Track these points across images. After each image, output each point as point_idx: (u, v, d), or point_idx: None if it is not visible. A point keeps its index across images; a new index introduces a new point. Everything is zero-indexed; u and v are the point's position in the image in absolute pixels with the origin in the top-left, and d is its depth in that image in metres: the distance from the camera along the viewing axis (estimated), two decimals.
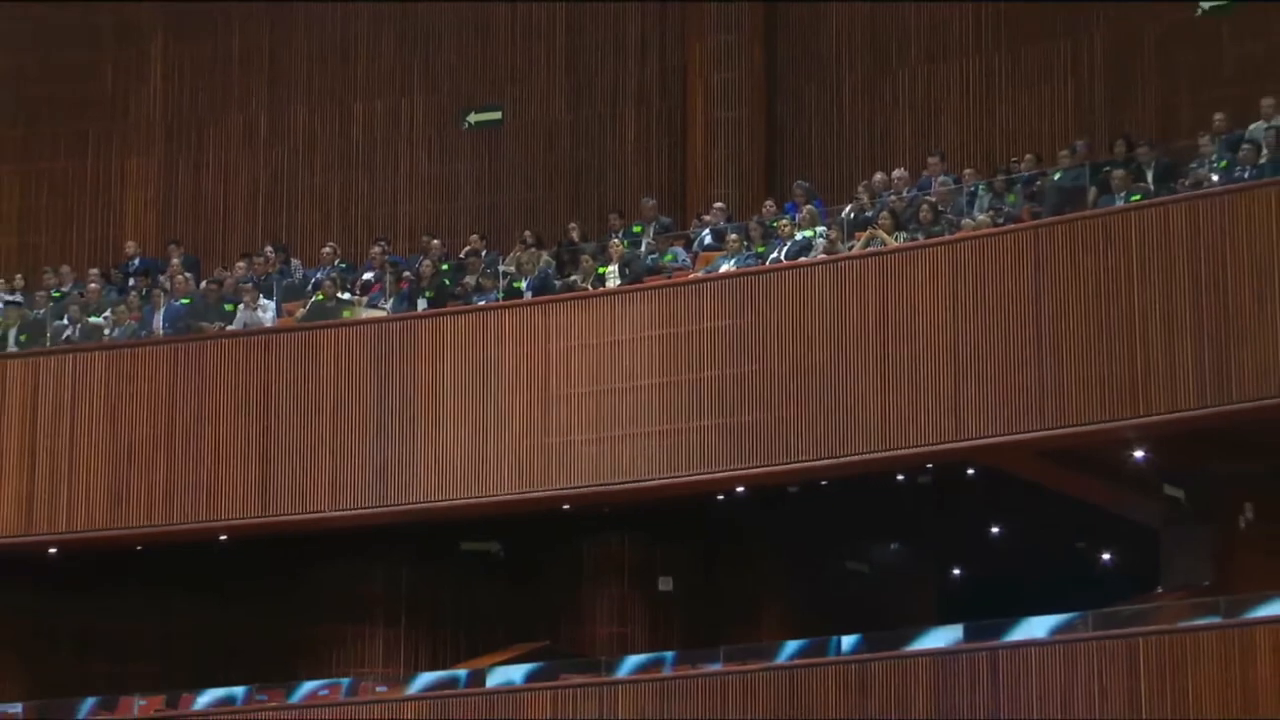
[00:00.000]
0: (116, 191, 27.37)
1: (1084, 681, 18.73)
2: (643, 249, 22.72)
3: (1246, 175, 19.96)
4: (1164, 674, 18.45)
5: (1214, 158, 20.68)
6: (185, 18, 27.50)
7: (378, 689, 22.23)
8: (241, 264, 24.26)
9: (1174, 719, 18.31)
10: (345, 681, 22.44)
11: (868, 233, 21.30)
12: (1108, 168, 21.24)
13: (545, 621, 23.98)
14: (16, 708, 22.56)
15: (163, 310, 23.34)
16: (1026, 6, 24.91)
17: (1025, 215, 20.98)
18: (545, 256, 22.96)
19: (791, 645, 20.75)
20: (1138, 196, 20.51)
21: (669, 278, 22.07)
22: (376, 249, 24.35)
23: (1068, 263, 19.96)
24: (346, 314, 22.86)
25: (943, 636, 20.02)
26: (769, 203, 23.15)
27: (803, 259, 21.39)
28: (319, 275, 23.60)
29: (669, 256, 22.46)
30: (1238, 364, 19.09)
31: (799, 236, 21.74)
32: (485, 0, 26.92)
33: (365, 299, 23.16)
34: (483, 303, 22.46)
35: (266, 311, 23.11)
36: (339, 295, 23.12)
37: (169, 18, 27.53)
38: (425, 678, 22.18)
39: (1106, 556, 23.54)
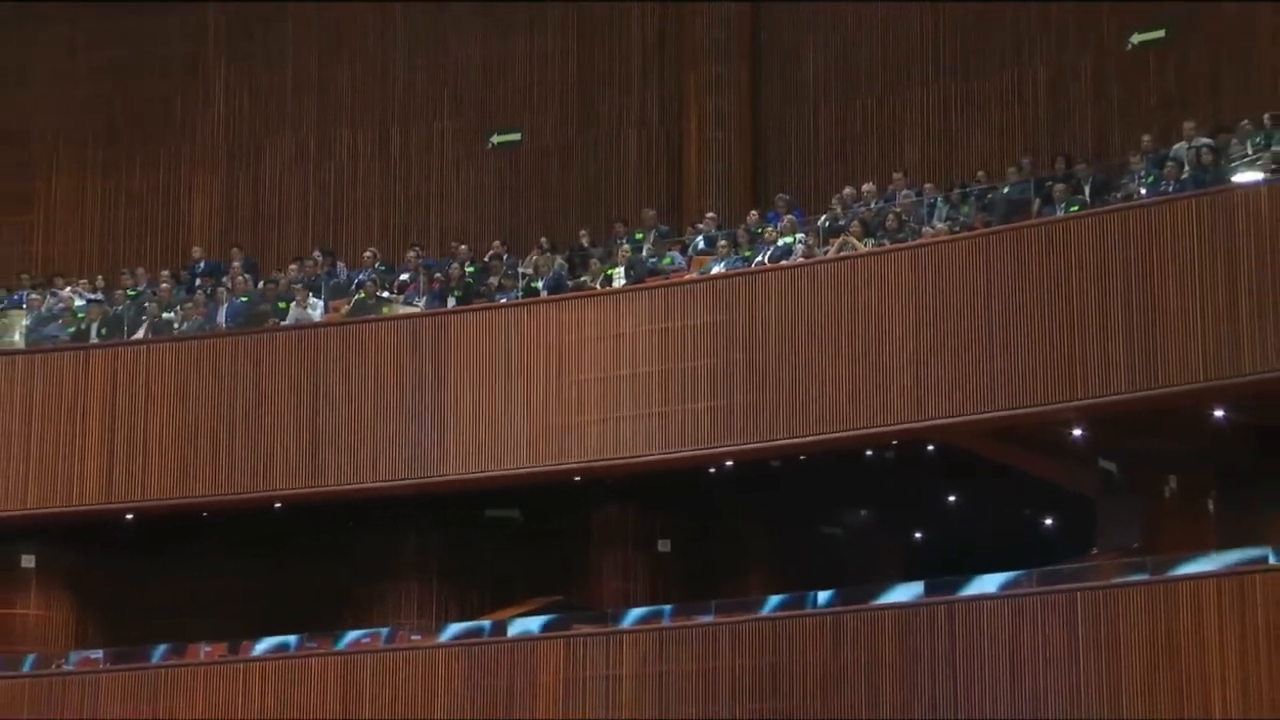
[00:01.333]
0: (185, 203, 27.38)
1: (1029, 631, 18.75)
2: (644, 253, 22.71)
3: (1170, 189, 20.02)
4: (1098, 624, 18.48)
5: (1142, 174, 20.69)
6: (244, 54, 27.52)
7: (413, 637, 22.20)
8: (294, 266, 24.27)
9: (1107, 664, 18.34)
10: (384, 631, 22.38)
11: (841, 239, 21.34)
12: (1049, 182, 21.26)
13: (558, 579, 23.92)
14: (99, 653, 22.64)
15: (225, 307, 23.40)
16: (978, 42, 24.95)
17: (978, 224, 21.00)
18: (558, 260, 22.98)
19: (774, 599, 20.70)
20: (1076, 207, 20.58)
21: (667, 278, 22.05)
22: (411, 253, 24.39)
23: (1014, 265, 20.01)
24: (385, 310, 22.90)
25: (906, 592, 20.00)
26: (754, 213, 23.10)
27: (784, 262, 21.42)
28: (361, 276, 23.59)
29: (667, 260, 22.43)
30: (1163, 354, 19.15)
31: (780, 242, 21.77)
32: (506, 36, 26.98)
33: (402, 297, 23.17)
34: (504, 300, 22.51)
35: (315, 308, 23.16)
36: (379, 294, 23.14)
37: (231, 54, 27.54)
38: (454, 628, 22.16)
39: (1048, 522, 23.49)
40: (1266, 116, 21.00)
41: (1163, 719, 18.08)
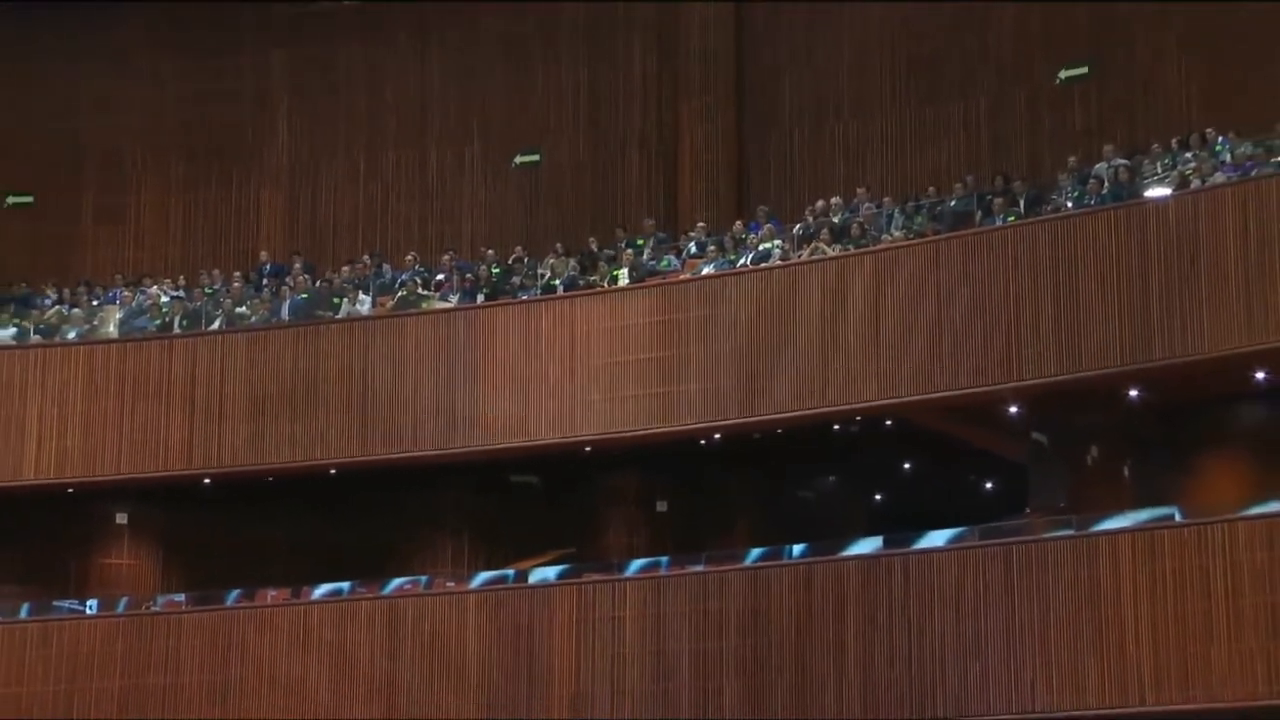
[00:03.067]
0: (254, 215, 27.33)
1: (971, 579, 18.79)
2: (644, 257, 22.70)
3: (1092, 202, 20.00)
4: (1030, 573, 18.52)
5: (1069, 189, 20.69)
6: (303, 88, 27.53)
7: (447, 584, 22.28)
8: (346, 268, 24.31)
9: (1038, 607, 18.39)
10: (423, 578, 22.46)
11: (812, 245, 21.30)
12: (990, 196, 21.21)
13: (571, 534, 23.94)
14: (181, 597, 22.73)
15: (287, 303, 23.42)
16: (929, 77, 24.91)
17: (929, 232, 20.97)
18: (571, 262, 22.94)
19: (755, 552, 20.73)
20: (1012, 218, 20.54)
21: (664, 278, 22.03)
22: (446, 257, 24.41)
23: (960, 267, 19.98)
24: (424, 306, 22.88)
25: (868, 545, 20.01)
26: (738, 223, 23.07)
27: (764, 264, 21.42)
28: (404, 277, 23.56)
29: (664, 262, 22.40)
30: (1085, 343, 19.14)
31: (761, 247, 21.77)
32: (526, 72, 26.95)
33: (438, 294, 23.12)
34: (525, 297, 22.50)
35: (364, 304, 23.17)
36: (419, 292, 23.14)
37: (292, 88, 27.54)
38: (482, 575, 22.22)
39: (988, 486, 23.48)
40: (1174, 141, 21.06)
41: (1085, 654, 18.14)
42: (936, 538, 19.54)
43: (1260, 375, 19.37)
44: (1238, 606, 17.52)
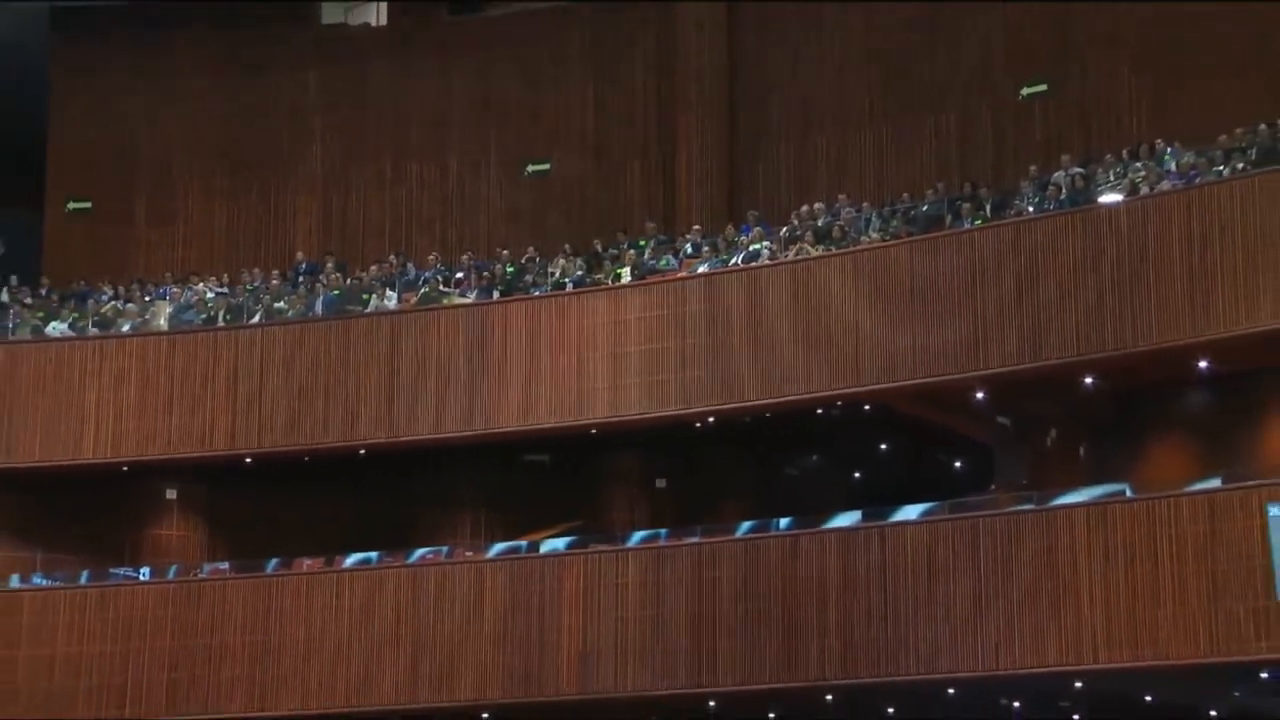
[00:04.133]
0: (290, 219, 27.24)
1: (941, 549, 18.86)
2: (645, 257, 22.68)
3: (1051, 207, 20.00)
4: (995, 544, 18.60)
5: (1030, 195, 20.69)
6: (335, 105, 27.47)
7: (466, 554, 22.25)
8: (374, 267, 24.25)
9: (1001, 574, 18.45)
10: (444, 549, 22.46)
11: (797, 246, 21.31)
12: (959, 202, 21.28)
13: (579, 509, 23.88)
14: (225, 565, 22.75)
15: (321, 299, 23.37)
16: (904, 94, 24.89)
17: (903, 234, 20.96)
18: (579, 262, 22.94)
19: (746, 525, 20.75)
20: (979, 221, 20.55)
21: (664, 276, 21.97)
22: (465, 257, 24.36)
23: (931, 266, 19.96)
24: (445, 301, 22.85)
25: (847, 518, 20.04)
26: (730, 226, 23.04)
27: (753, 263, 21.39)
28: (427, 275, 23.54)
29: (663, 262, 22.35)
30: (1045, 335, 19.12)
31: (751, 248, 21.72)
32: (537, 91, 26.90)
33: (458, 291, 23.08)
34: (537, 294, 22.45)
35: (391, 300, 23.13)
36: (440, 289, 23.11)
37: (325, 105, 27.48)
38: (498, 546, 22.20)
39: (957, 464, 23.48)
40: (1125, 151, 21.04)
41: (1044, 617, 18.16)
42: (910, 512, 19.56)
43: (1202, 364, 19.38)
44: (1182, 574, 17.59)
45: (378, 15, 28.04)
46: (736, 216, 24.10)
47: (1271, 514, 17.13)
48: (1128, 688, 19.80)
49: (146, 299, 24.28)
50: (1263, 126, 19.81)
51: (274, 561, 22.31)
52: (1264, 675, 18.53)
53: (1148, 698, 20.62)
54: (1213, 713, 21.51)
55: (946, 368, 19.68)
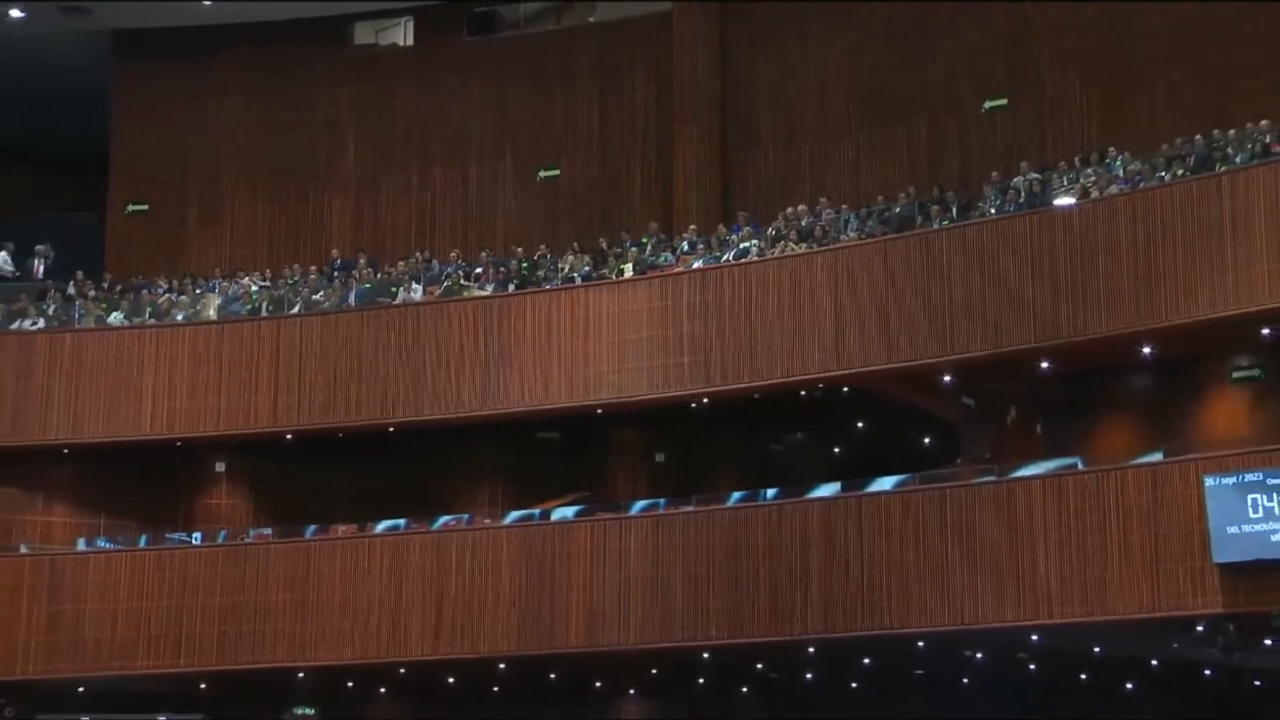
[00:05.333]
0: (326, 220, 27.22)
1: (913, 517, 18.90)
2: (646, 254, 22.70)
3: (1011, 209, 20.01)
4: (960, 511, 18.59)
5: (992, 199, 20.71)
6: (366, 118, 27.45)
7: (485, 521, 22.26)
8: (401, 263, 24.20)
9: (966, 540, 18.50)
10: (465, 516, 22.51)
11: (783, 244, 21.33)
12: (928, 204, 21.28)
13: (586, 480, 23.90)
14: (268, 531, 22.75)
15: (354, 291, 23.34)
16: (879, 108, 24.88)
17: (878, 233, 20.94)
18: (586, 259, 22.94)
19: (736, 494, 20.77)
20: (946, 222, 20.54)
21: (663, 271, 21.93)
22: (483, 254, 24.27)
23: (904, 262, 19.93)
24: (465, 293, 22.81)
25: (828, 489, 20.07)
26: (722, 226, 23.08)
27: (743, 259, 21.40)
28: (449, 269, 23.51)
29: (662, 258, 22.33)
30: (1006, 324, 19.10)
31: (741, 246, 21.73)
32: (548, 104, 26.89)
33: (477, 284, 23.05)
34: (548, 287, 22.44)
35: (416, 292, 23.06)
36: (461, 282, 23.08)
37: (358, 118, 27.45)
38: (513, 514, 22.17)
39: (926, 440, 23.52)
40: (1077, 159, 21.08)
41: (1004, 577, 18.20)
42: (884, 483, 19.57)
43: (1146, 350, 19.41)
44: (1127, 538, 17.64)
45: (404, 36, 28.02)
46: (728, 217, 24.09)
47: (1208, 484, 17.17)
48: (1078, 640, 19.87)
49: (197, 292, 24.27)
50: (1199, 137, 19.87)
51: (312, 527, 22.33)
52: (1199, 628, 18.65)
53: (1096, 649, 20.71)
54: (1154, 661, 21.59)
55: (917, 354, 19.67)
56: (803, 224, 21.86)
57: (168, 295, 24.28)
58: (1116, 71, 23.05)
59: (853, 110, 25.12)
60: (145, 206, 27.62)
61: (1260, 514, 16.73)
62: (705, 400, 21.57)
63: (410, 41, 27.92)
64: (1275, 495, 16.73)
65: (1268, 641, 19.27)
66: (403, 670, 22.21)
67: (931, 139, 24.35)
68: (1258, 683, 22.01)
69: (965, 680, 22.87)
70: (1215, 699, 22.41)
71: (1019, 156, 22.21)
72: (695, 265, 21.70)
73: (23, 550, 22.76)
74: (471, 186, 26.98)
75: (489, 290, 22.82)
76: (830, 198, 23.21)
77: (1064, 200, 19.70)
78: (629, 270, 22.21)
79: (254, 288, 24.24)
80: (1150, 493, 17.62)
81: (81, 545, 22.84)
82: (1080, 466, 18.61)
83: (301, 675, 22.42)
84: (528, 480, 24.21)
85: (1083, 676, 22.32)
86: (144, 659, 21.51)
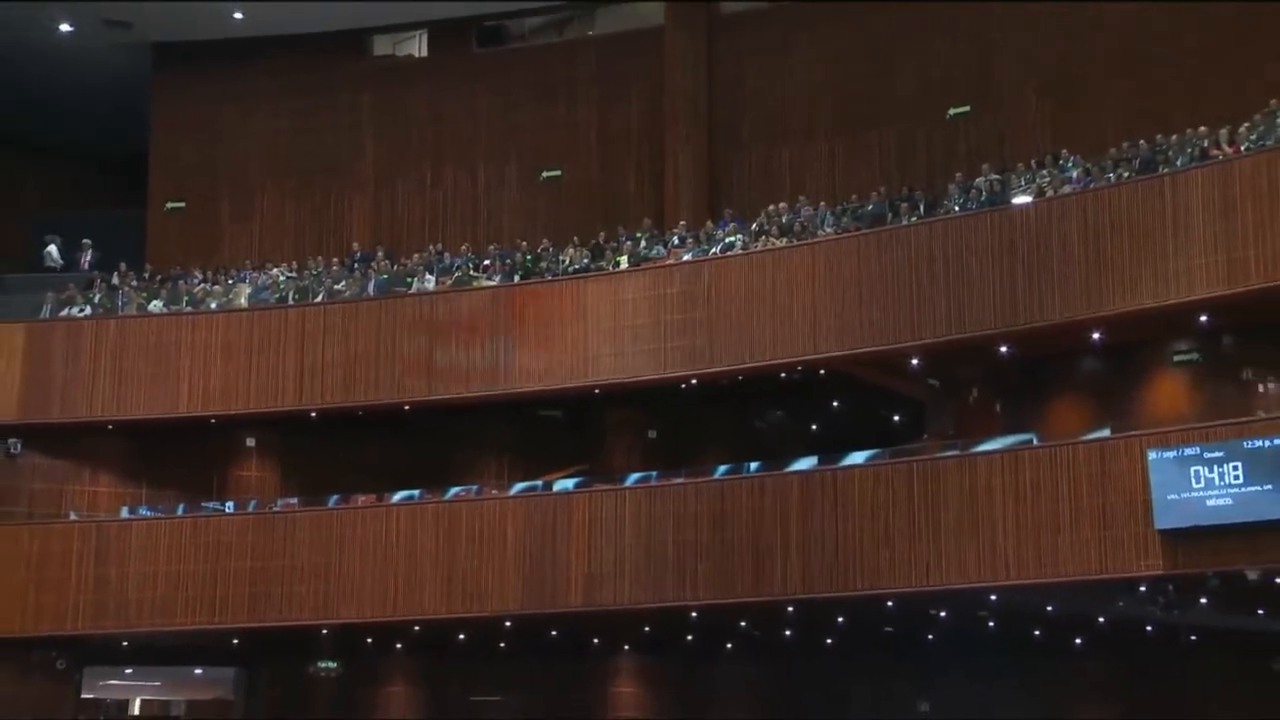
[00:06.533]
0: (347, 215, 27.12)
1: (884, 488, 18.88)
2: (640, 247, 22.70)
3: (974, 207, 20.01)
4: (926, 483, 18.61)
5: (956, 197, 20.68)
6: (383, 123, 27.35)
7: (492, 492, 22.26)
8: (416, 256, 24.17)
9: (930, 509, 18.49)
10: (475, 488, 22.46)
11: (765, 238, 21.29)
12: (899, 202, 21.26)
13: (585, 455, 23.86)
14: (295, 500, 22.76)
15: (373, 281, 23.32)
16: (854, 114, 24.80)
17: (853, 229, 20.91)
18: (585, 252, 22.91)
19: (722, 468, 20.76)
20: (914, 219, 20.52)
21: (655, 263, 21.90)
22: (491, 248, 24.30)
23: (876, 255, 19.92)
24: (475, 284, 22.82)
25: (806, 463, 20.05)
26: (710, 222, 23.06)
27: (729, 253, 21.37)
28: (459, 262, 23.49)
29: (655, 252, 22.33)
30: (968, 312, 19.10)
31: (727, 240, 21.73)
32: (551, 109, 26.79)
33: (485, 275, 23.04)
34: (550, 278, 22.41)
35: (430, 283, 23.05)
36: (471, 273, 23.08)
37: (376, 122, 27.36)
38: (519, 486, 22.20)
39: (896, 418, 23.49)
40: (1033, 161, 21.05)
41: (966, 542, 18.19)
42: (857, 457, 19.60)
43: (1096, 336, 19.42)
44: (1077, 507, 17.67)
45: (419, 48, 27.95)
46: (715, 214, 24.04)
47: (1151, 458, 17.20)
48: (1033, 599, 19.89)
49: (230, 282, 24.26)
50: (1143, 142, 19.88)
51: (335, 497, 22.33)
52: (1142, 589, 18.68)
53: (1049, 608, 20.72)
54: (1100, 619, 21.62)
55: (887, 339, 19.66)
56: (783, 220, 21.86)
57: (203, 285, 24.27)
58: (1069, 83, 23.08)
59: (830, 117, 25.08)
60: (182, 204, 27.56)
61: (1201, 484, 16.77)
62: (694, 381, 21.55)
63: (425, 52, 27.85)
64: (1214, 467, 16.77)
65: (1203, 600, 19.32)
66: (417, 628, 22.27)
67: (901, 143, 24.29)
68: (1193, 638, 22.05)
69: (930, 636, 22.91)
70: (1155, 652, 22.46)
71: (980, 159, 22.18)
72: (685, 258, 21.70)
73: (72, 517, 22.82)
74: (480, 185, 26.92)
75: (496, 281, 22.80)
76: (809, 196, 23.21)
77: (1021, 199, 19.69)
78: (624, 262, 22.19)
79: (281, 278, 24.23)
80: (1098, 465, 17.65)
81: (125, 513, 22.86)
82: (1035, 442, 18.64)
83: (325, 632, 22.48)
84: (532, 454, 24.18)
85: (1036, 633, 22.35)
86: (182, 617, 21.53)
